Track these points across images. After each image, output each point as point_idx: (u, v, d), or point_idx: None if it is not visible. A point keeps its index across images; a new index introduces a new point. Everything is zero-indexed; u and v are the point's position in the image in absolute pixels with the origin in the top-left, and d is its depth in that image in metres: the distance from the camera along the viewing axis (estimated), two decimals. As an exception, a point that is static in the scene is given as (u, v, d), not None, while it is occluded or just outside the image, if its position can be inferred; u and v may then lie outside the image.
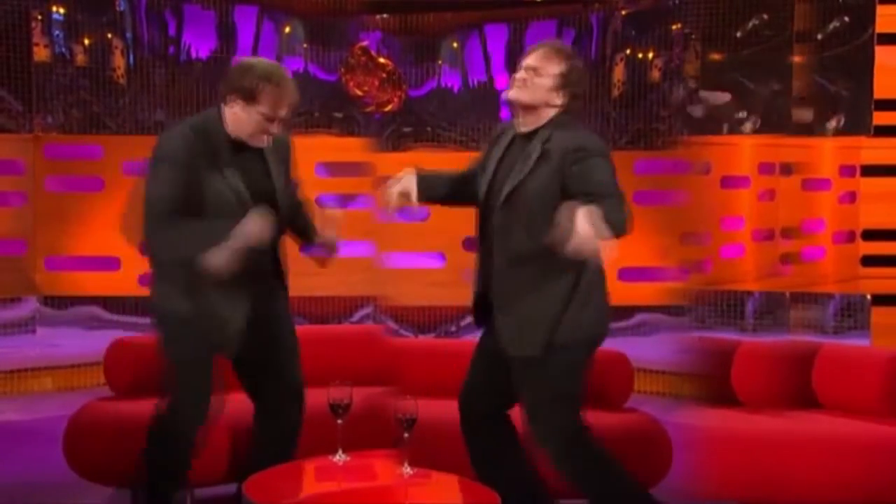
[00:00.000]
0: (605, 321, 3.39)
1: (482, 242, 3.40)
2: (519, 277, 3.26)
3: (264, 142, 3.45)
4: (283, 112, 3.40)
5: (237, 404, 3.89)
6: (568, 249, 2.92)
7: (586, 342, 3.34)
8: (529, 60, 3.33)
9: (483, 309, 3.41)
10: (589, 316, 3.30)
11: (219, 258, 3.23)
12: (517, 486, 3.46)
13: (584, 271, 3.22)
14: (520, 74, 3.33)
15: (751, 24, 6.65)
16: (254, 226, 3.27)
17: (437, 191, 3.50)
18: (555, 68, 3.29)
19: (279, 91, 3.36)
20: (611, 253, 2.94)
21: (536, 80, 3.29)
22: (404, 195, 3.40)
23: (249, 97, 3.35)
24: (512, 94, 3.33)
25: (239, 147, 3.41)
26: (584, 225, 2.88)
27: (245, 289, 3.40)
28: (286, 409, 3.60)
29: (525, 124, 3.34)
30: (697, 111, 6.71)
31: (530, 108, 3.31)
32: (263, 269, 3.49)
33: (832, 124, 6.41)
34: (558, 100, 3.30)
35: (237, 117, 3.38)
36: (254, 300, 3.45)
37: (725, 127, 6.71)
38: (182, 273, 3.34)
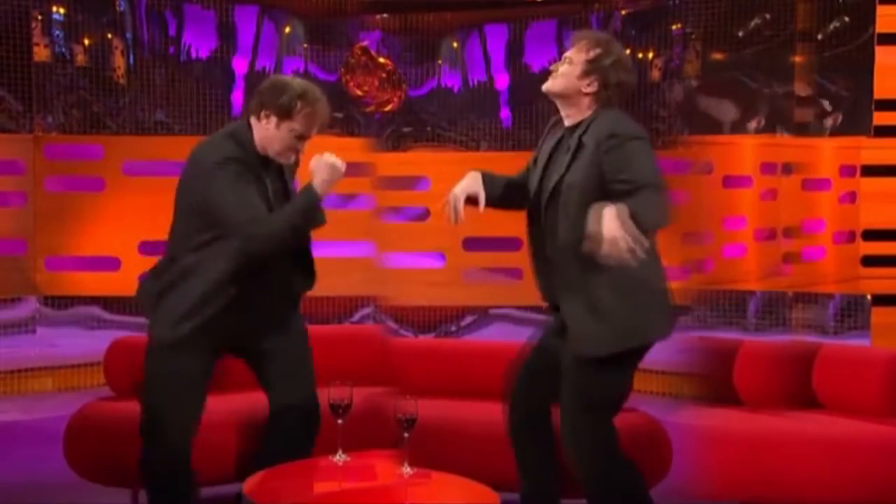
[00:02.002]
0: (667, 321, 3.23)
1: (531, 239, 3.35)
2: (569, 274, 3.17)
3: (290, 159, 3.47)
4: (314, 131, 3.42)
5: (241, 404, 3.92)
6: (601, 255, 2.87)
7: (646, 346, 3.24)
8: (567, 52, 3.32)
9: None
10: (654, 317, 3.20)
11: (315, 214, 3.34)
12: (547, 483, 3.46)
13: (640, 266, 2.99)
14: (554, 66, 3.32)
15: (751, 24, 6.65)
16: (322, 168, 3.33)
17: (498, 192, 3.39)
18: (583, 55, 3.26)
19: (314, 110, 3.38)
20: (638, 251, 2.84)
21: (565, 69, 3.27)
22: (472, 199, 3.31)
23: (285, 114, 3.35)
24: (545, 85, 3.31)
25: (264, 162, 3.42)
26: (611, 228, 2.84)
27: (259, 297, 3.42)
28: (295, 412, 3.56)
29: (568, 117, 3.31)
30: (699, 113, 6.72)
31: (565, 99, 3.28)
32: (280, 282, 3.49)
33: (832, 124, 6.41)
34: (589, 87, 3.24)
35: (269, 133, 3.38)
36: (267, 310, 3.48)
37: (727, 126, 6.73)
38: (194, 288, 3.34)
